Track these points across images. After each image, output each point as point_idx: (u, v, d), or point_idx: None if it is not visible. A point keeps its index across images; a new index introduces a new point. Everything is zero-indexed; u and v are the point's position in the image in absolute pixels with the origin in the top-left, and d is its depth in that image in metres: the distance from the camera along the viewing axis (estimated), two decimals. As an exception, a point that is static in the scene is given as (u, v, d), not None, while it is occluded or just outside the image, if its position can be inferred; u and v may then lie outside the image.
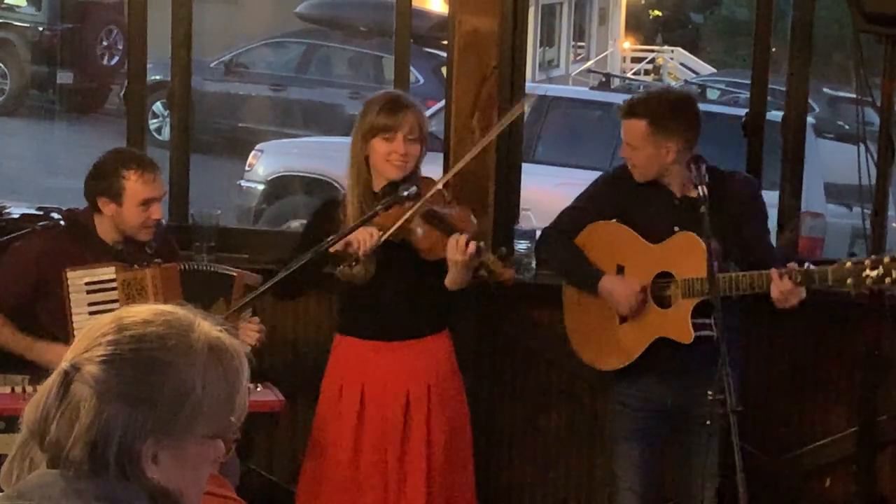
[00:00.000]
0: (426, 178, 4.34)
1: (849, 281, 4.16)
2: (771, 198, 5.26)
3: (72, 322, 4.32)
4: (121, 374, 1.80)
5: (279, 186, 10.78)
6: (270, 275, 4.26)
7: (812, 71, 5.31)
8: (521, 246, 5.18)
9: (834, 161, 9.14)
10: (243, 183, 10.95)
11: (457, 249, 4.13)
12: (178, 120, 5.49)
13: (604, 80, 12.37)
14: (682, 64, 23.49)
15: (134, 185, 4.40)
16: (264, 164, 10.89)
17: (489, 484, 4.97)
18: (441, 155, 5.14)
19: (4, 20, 15.68)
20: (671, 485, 4.73)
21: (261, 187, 10.78)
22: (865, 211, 5.08)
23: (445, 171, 4.98)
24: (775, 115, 5.61)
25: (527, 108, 4.69)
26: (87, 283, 4.38)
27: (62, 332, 4.30)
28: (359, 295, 4.32)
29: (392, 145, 4.26)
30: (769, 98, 5.39)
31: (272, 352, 4.80)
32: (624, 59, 25.62)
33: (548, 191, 7.94)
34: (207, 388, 1.83)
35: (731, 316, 4.29)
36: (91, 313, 4.30)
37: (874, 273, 4.14)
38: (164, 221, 4.67)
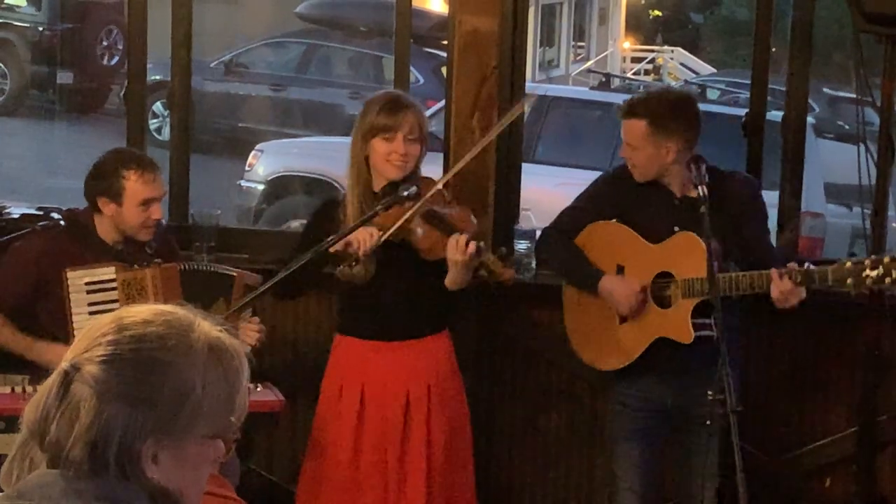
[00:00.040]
0: (426, 178, 4.34)
1: (849, 281, 4.16)
2: (771, 198, 5.26)
3: (72, 322, 4.32)
4: (121, 374, 1.80)
5: (279, 186, 10.78)
6: (270, 275, 4.26)
7: (812, 71, 5.31)
8: (521, 246, 5.18)
9: (834, 161, 9.14)
10: (243, 183, 10.95)
11: (457, 249, 4.13)
12: (178, 120, 5.49)
13: (604, 80, 12.37)
14: (682, 64, 23.48)
15: (134, 185, 4.40)
16: (264, 164, 10.89)
17: (489, 484, 4.97)
18: (441, 155, 5.14)
19: (4, 20, 15.68)
20: (671, 485, 4.73)
21: (261, 187, 10.78)
22: (865, 211, 5.08)
23: (445, 171, 4.98)
24: (775, 115, 5.61)
25: (527, 108, 4.69)
26: (87, 283, 4.38)
27: (62, 332, 4.30)
28: (359, 295, 4.32)
29: (392, 145, 4.26)
30: (769, 98, 5.39)
31: (272, 352, 4.80)
32: (624, 59, 25.62)
33: (548, 191, 7.94)
34: (207, 388, 1.83)
35: (731, 316, 4.30)
36: (91, 313, 4.30)
37: (874, 273, 4.14)
38: (164, 221, 4.67)
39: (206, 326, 1.88)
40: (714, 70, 21.92)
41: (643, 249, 4.45)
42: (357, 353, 4.40)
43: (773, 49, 5.49)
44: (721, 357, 3.95)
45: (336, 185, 10.17)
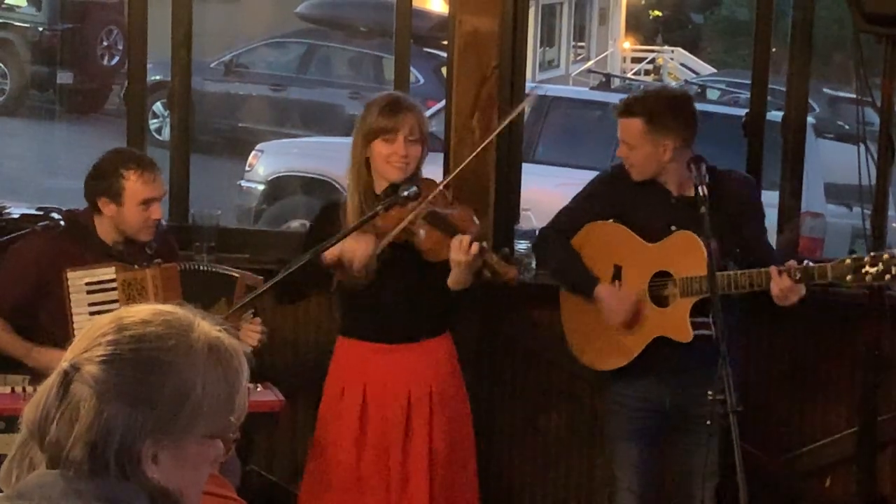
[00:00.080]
0: (427, 179, 4.35)
1: (848, 278, 4.17)
2: (771, 198, 5.27)
3: (72, 322, 4.33)
4: (121, 374, 1.80)
5: (279, 187, 10.78)
6: (271, 275, 4.27)
7: (812, 71, 5.31)
8: (522, 246, 5.18)
9: (834, 161, 9.14)
10: (243, 183, 10.95)
11: (460, 250, 4.14)
12: (178, 120, 5.49)
13: (604, 80, 12.38)
14: (682, 64, 23.48)
15: (134, 184, 4.40)
16: (264, 164, 10.89)
17: (489, 484, 4.96)
18: (441, 155, 5.14)
19: (4, 20, 15.68)
20: (671, 485, 4.73)
21: (261, 187, 10.78)
22: (865, 211, 5.08)
23: (445, 170, 4.98)
24: (775, 115, 5.61)
25: (527, 109, 4.69)
26: (87, 284, 4.38)
27: (62, 333, 4.28)
28: (360, 297, 4.32)
29: (393, 147, 4.27)
30: (769, 98, 5.39)
31: (272, 352, 4.80)
32: (624, 60, 25.61)
33: (548, 191, 7.93)
34: (207, 388, 1.83)
35: (730, 315, 4.29)
36: (91, 314, 4.30)
37: (874, 270, 4.15)
38: (164, 222, 4.67)
39: (206, 326, 1.88)
40: (714, 70, 21.92)
41: (641, 249, 4.45)
42: (359, 354, 4.40)
43: (773, 49, 5.49)
44: (721, 357, 3.95)
45: (336, 185, 10.17)
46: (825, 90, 14.18)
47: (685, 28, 27.13)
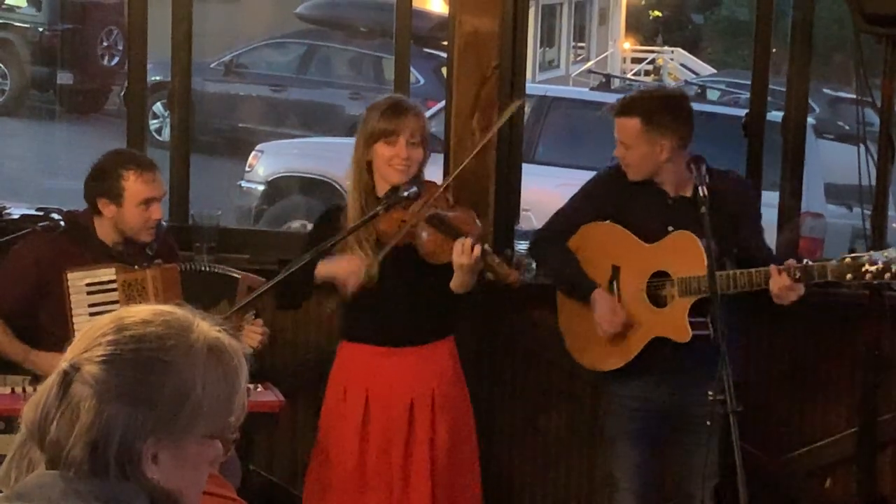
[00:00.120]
0: (428, 181, 4.36)
1: (848, 276, 4.17)
2: (771, 198, 5.27)
3: (72, 323, 4.32)
4: (121, 374, 1.80)
5: (279, 187, 10.78)
6: (272, 276, 4.28)
7: (812, 71, 5.31)
8: (522, 246, 5.18)
9: (834, 161, 9.14)
10: (243, 183, 10.95)
11: (462, 253, 4.14)
12: (178, 120, 5.49)
13: (604, 80, 12.36)
14: (682, 64, 23.48)
15: (133, 185, 4.40)
16: (265, 164, 10.89)
17: (489, 484, 4.96)
18: (440, 155, 5.14)
19: (4, 20, 15.68)
20: (671, 485, 4.73)
21: (261, 188, 10.78)
22: (865, 211, 5.08)
23: (445, 171, 4.99)
24: (775, 115, 5.61)
25: (514, 109, 4.69)
26: (87, 285, 4.38)
27: (62, 334, 4.27)
28: (362, 299, 4.32)
29: (394, 149, 4.27)
30: (769, 98, 5.39)
31: (273, 352, 4.80)
32: (624, 60, 25.62)
33: (548, 191, 7.93)
34: (207, 388, 1.84)
35: (729, 314, 4.30)
36: (91, 314, 4.30)
37: (874, 268, 4.15)
38: (164, 222, 4.67)
39: (206, 327, 1.88)
40: (714, 70, 21.92)
41: (638, 249, 4.45)
42: (361, 358, 4.40)
43: (773, 49, 5.49)
44: (721, 357, 3.96)
45: (336, 185, 10.17)
46: (825, 90, 14.18)
47: (685, 28, 27.13)
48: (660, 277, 4.43)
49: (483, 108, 5.10)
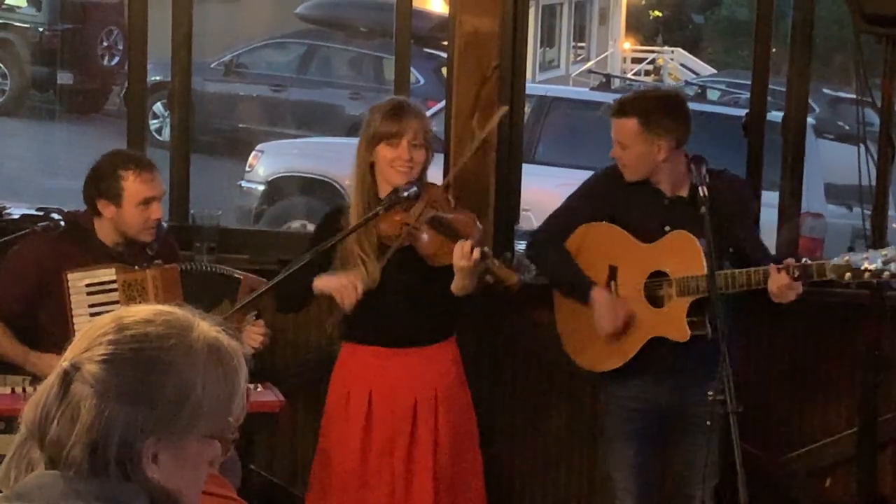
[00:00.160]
0: (430, 183, 4.37)
1: (847, 275, 4.17)
2: (771, 198, 5.27)
3: (72, 323, 4.32)
4: (121, 374, 1.80)
5: (279, 187, 10.78)
6: (272, 276, 4.28)
7: (812, 71, 5.31)
8: (522, 247, 5.18)
9: (834, 161, 9.14)
10: (244, 183, 10.95)
11: (462, 256, 4.14)
12: (178, 120, 5.49)
13: (604, 80, 12.35)
14: (682, 64, 23.47)
15: (132, 184, 4.40)
16: (265, 164, 10.89)
17: (489, 484, 4.96)
18: (441, 156, 5.14)
19: (4, 20, 15.67)
20: (671, 485, 4.73)
21: (261, 188, 10.78)
22: (865, 211, 5.08)
23: (445, 171, 4.99)
24: (775, 115, 5.61)
25: (501, 115, 4.69)
26: (87, 285, 4.38)
27: (62, 334, 4.26)
28: (364, 301, 4.32)
29: (397, 151, 4.28)
30: (769, 98, 5.39)
31: (273, 352, 4.81)
32: (624, 60, 25.61)
33: (548, 191, 7.93)
34: (207, 388, 1.84)
35: (727, 314, 4.29)
36: (92, 315, 4.30)
37: (872, 267, 4.15)
38: (164, 223, 4.67)
39: (206, 327, 1.89)
40: (714, 70, 21.93)
41: (636, 249, 4.45)
42: (363, 359, 4.41)
43: (773, 49, 5.49)
44: (721, 356, 3.96)
45: (336, 185, 10.17)
46: (825, 91, 14.18)
47: (685, 28, 27.13)
48: (657, 277, 4.43)
49: (483, 108, 5.10)
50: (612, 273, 4.50)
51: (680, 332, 4.36)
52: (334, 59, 15.47)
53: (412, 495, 4.33)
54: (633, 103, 4.43)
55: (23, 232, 4.62)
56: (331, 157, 10.61)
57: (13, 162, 13.30)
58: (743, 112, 5.67)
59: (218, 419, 1.85)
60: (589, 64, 23.43)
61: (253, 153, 11.10)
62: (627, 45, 26.23)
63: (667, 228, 4.41)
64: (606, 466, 4.70)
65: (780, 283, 4.21)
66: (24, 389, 4.26)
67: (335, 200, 9.31)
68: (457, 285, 4.25)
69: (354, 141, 4.47)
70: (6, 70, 15.58)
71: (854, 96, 5.22)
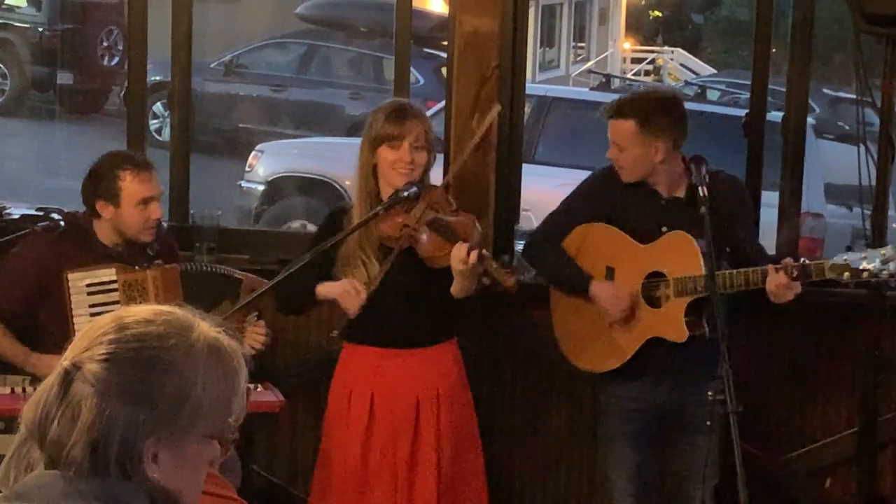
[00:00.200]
0: (431, 185, 4.37)
1: (846, 275, 4.17)
2: (771, 198, 5.27)
3: (73, 324, 4.32)
4: (122, 373, 1.80)
5: (279, 187, 10.78)
6: (272, 276, 4.29)
7: (812, 71, 5.31)
8: (521, 247, 5.18)
9: (834, 161, 9.14)
10: (243, 184, 10.95)
11: (459, 258, 4.15)
12: (178, 120, 5.49)
13: (604, 80, 12.35)
14: (682, 64, 23.48)
15: (130, 185, 4.40)
16: (264, 164, 10.89)
17: (490, 484, 4.96)
18: (442, 156, 5.14)
19: (4, 21, 15.68)
20: (671, 486, 4.73)
21: (261, 188, 10.78)
22: (865, 211, 5.08)
23: (445, 171, 4.99)
24: (775, 115, 5.61)
25: (495, 115, 4.70)
26: (88, 285, 4.38)
27: (62, 334, 4.25)
28: (365, 303, 4.32)
29: (398, 153, 4.29)
30: (769, 98, 5.39)
31: (273, 352, 4.81)
32: (624, 60, 25.62)
33: (548, 191, 7.93)
34: (207, 388, 1.84)
35: (725, 314, 4.29)
36: (92, 315, 4.30)
37: (871, 266, 4.15)
38: (164, 223, 4.67)
39: (206, 327, 1.89)
40: (714, 70, 21.93)
41: (633, 250, 4.45)
42: (364, 361, 4.41)
43: (773, 49, 5.49)
44: (721, 356, 3.96)
45: (336, 185, 10.17)
46: (825, 91, 14.19)
47: (685, 28, 27.13)
48: (655, 278, 4.43)
49: (483, 108, 5.09)
50: (610, 274, 4.50)
51: (678, 332, 4.36)
52: (334, 59, 15.47)
53: (415, 495, 4.33)
54: (630, 105, 4.42)
55: (23, 232, 4.62)
56: (331, 157, 10.61)
57: (13, 162, 13.31)
58: (743, 112, 5.67)
59: (218, 419, 1.85)
60: (589, 64, 23.43)
61: (253, 153, 11.10)
62: (627, 45, 26.24)
63: (664, 229, 4.41)
64: (605, 467, 4.70)
65: (779, 283, 4.21)
66: (23, 389, 4.26)
67: (335, 200, 9.32)
68: (456, 287, 4.26)
69: (354, 141, 4.48)
70: (6, 70, 15.58)
71: (854, 96, 5.22)
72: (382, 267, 4.25)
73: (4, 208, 5.31)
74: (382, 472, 4.34)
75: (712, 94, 13.76)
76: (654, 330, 4.41)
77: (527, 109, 7.70)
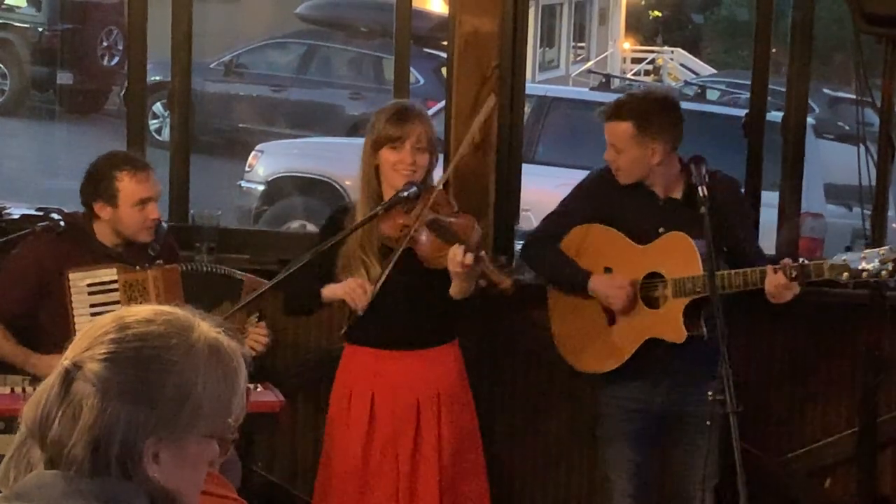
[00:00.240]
0: (433, 186, 4.38)
1: (845, 275, 4.17)
2: (771, 198, 5.27)
3: (73, 323, 4.32)
4: (123, 373, 1.80)
5: (279, 187, 10.78)
6: (272, 276, 4.29)
7: (812, 71, 5.31)
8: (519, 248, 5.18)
9: (834, 161, 9.14)
10: (243, 184, 10.95)
11: (455, 260, 4.15)
12: (178, 120, 5.49)
13: (604, 80, 12.35)
14: (682, 64, 23.49)
15: (127, 185, 4.40)
16: (264, 164, 10.89)
17: (489, 484, 4.96)
18: (442, 156, 5.14)
19: (4, 21, 15.68)
20: (671, 486, 4.73)
21: (261, 188, 10.78)
22: (865, 211, 5.08)
23: (444, 170, 4.99)
24: (775, 115, 5.61)
25: (490, 108, 4.69)
26: (89, 285, 4.38)
27: (62, 334, 4.25)
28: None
29: (400, 155, 4.29)
30: (769, 98, 5.39)
31: (274, 353, 4.80)
32: (624, 60, 25.62)
33: (548, 191, 7.92)
34: (208, 387, 1.84)
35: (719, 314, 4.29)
36: (93, 314, 4.30)
37: (870, 266, 4.15)
38: (164, 224, 4.67)
39: (206, 327, 1.89)
40: (714, 70, 21.93)
41: (631, 251, 4.45)
42: (365, 361, 4.41)
43: (773, 49, 5.49)
44: (721, 357, 3.96)
45: (336, 185, 10.18)
46: (825, 91, 14.18)
47: (685, 28, 27.14)
48: (652, 279, 4.42)
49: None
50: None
51: (676, 332, 4.36)
52: (334, 59, 15.47)
53: (417, 496, 4.33)
54: (626, 107, 4.42)
55: (23, 232, 4.62)
56: (330, 157, 10.62)
57: (13, 162, 13.31)
58: (743, 112, 5.67)
59: (218, 419, 1.86)
60: (589, 64, 23.43)
61: (253, 153, 11.10)
62: (627, 45, 26.24)
63: (661, 230, 4.41)
64: (604, 468, 4.70)
65: (777, 284, 4.21)
66: (23, 389, 4.26)
67: (335, 201, 9.32)
68: (454, 289, 4.27)
69: (354, 141, 4.49)
70: (6, 70, 15.58)
71: (854, 96, 5.22)
72: (385, 268, 4.25)
73: (4, 208, 5.31)
74: (383, 473, 4.34)
75: (712, 94, 13.76)
76: (653, 330, 4.41)
77: (527, 109, 7.71)
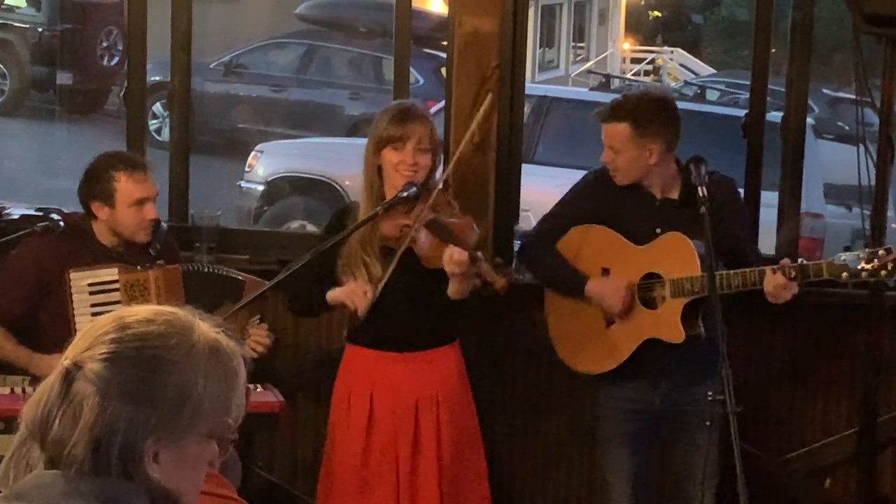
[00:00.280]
0: (434, 187, 4.38)
1: (844, 275, 4.17)
2: (771, 198, 5.27)
3: (74, 323, 4.32)
4: (124, 372, 1.80)
5: (279, 187, 10.78)
6: (272, 276, 4.29)
7: (812, 71, 5.31)
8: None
9: (833, 161, 9.15)
10: (243, 184, 10.95)
11: (450, 261, 4.15)
12: (177, 121, 5.49)
13: (603, 80, 12.36)
14: (681, 65, 23.49)
15: (125, 185, 4.40)
16: (264, 164, 10.89)
17: (490, 484, 4.97)
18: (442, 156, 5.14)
19: (4, 21, 15.68)
20: (671, 486, 4.73)
21: (261, 188, 10.78)
22: (865, 211, 5.08)
23: (444, 169, 4.99)
24: (775, 115, 5.61)
25: (488, 104, 4.70)
26: (89, 285, 4.38)
27: (63, 334, 4.24)
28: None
29: (402, 155, 4.30)
30: (769, 99, 5.39)
31: (273, 353, 4.80)
32: (624, 60, 25.62)
33: (548, 191, 7.92)
34: (208, 387, 1.84)
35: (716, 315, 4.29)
36: (93, 314, 4.30)
37: (869, 266, 4.15)
38: (164, 224, 4.67)
39: (206, 327, 1.89)
40: (714, 71, 21.94)
41: (628, 251, 4.45)
42: (365, 362, 4.41)
43: (773, 49, 5.49)
44: (721, 357, 3.96)
45: (336, 186, 10.17)
46: (825, 91, 14.19)
47: (685, 28, 27.14)
48: (650, 279, 4.42)
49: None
50: (605, 275, 4.50)
51: (674, 333, 4.36)
52: (334, 59, 15.47)
53: (418, 497, 4.33)
54: (623, 108, 4.41)
55: (23, 232, 4.62)
56: (330, 158, 10.62)
57: (13, 162, 13.31)
58: (743, 112, 5.67)
59: (218, 419, 1.86)
60: (588, 64, 23.43)
61: (252, 153, 11.10)
62: (627, 46, 26.24)
63: (658, 230, 4.41)
64: (603, 470, 4.69)
65: (776, 284, 4.21)
66: (23, 389, 4.26)
67: (335, 201, 9.32)
68: (451, 289, 4.27)
69: (354, 141, 4.51)
70: (6, 70, 15.58)
71: (854, 96, 5.21)
72: (387, 269, 4.25)
73: (4, 208, 5.31)
74: (383, 473, 4.34)
75: (712, 95, 13.77)
76: (651, 331, 4.41)
77: (526, 109, 7.71)
